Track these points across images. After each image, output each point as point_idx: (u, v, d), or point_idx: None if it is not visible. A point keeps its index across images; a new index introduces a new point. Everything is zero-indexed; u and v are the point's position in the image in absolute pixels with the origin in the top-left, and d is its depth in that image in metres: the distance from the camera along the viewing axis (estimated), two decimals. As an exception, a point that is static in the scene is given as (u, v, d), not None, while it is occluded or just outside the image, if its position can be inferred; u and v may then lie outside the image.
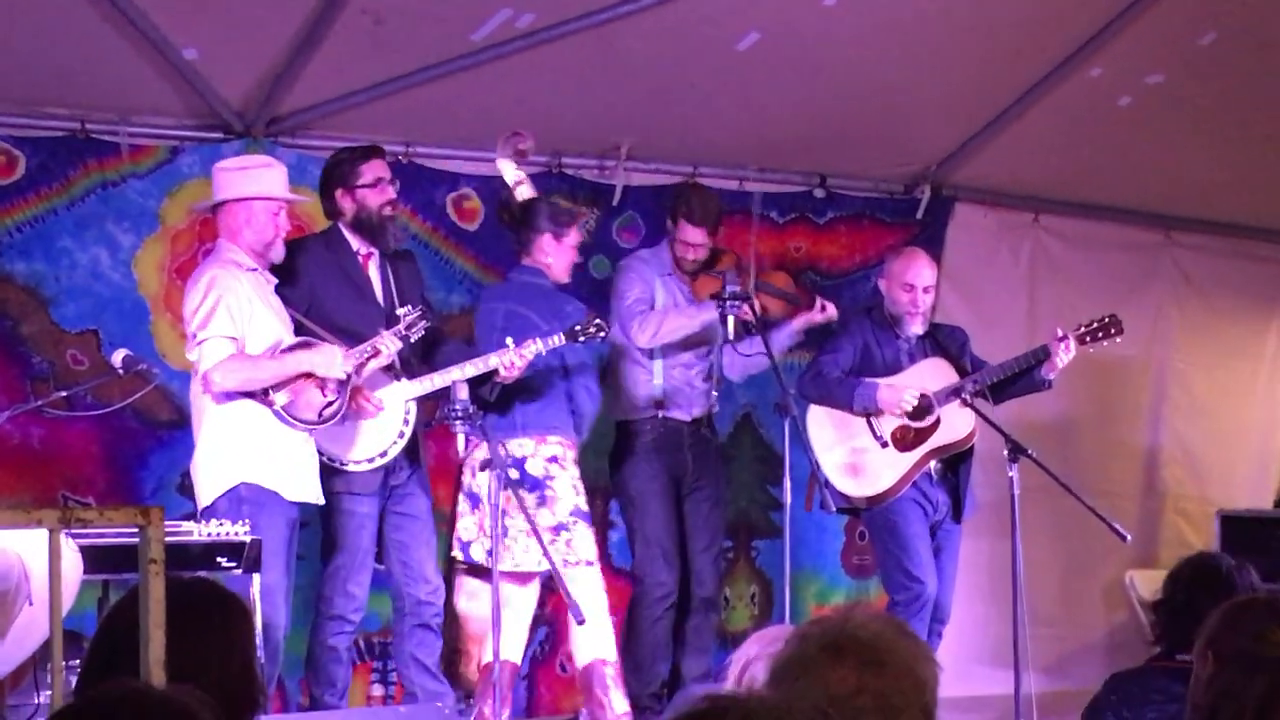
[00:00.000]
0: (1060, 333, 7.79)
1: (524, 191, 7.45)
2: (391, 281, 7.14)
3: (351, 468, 6.90)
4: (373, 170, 7.08)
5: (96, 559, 5.80)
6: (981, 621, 9.05)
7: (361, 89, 7.63)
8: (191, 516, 6.65)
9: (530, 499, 7.08)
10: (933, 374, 7.87)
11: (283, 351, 6.65)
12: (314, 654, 7.08)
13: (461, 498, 7.28)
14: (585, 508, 7.21)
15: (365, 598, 7.06)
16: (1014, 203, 9.63)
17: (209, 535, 6.19)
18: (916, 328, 7.91)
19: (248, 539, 6.21)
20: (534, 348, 6.97)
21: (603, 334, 7.09)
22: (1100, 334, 7.83)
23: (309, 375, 6.63)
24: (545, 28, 7.33)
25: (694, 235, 7.91)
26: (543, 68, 7.58)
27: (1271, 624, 3.80)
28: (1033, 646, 7.34)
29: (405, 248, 7.48)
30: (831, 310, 8.02)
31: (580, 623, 6.55)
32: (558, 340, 7.00)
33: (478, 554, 7.13)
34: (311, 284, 6.98)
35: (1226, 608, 3.96)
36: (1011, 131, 8.81)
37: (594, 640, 7.21)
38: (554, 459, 7.19)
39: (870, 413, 7.78)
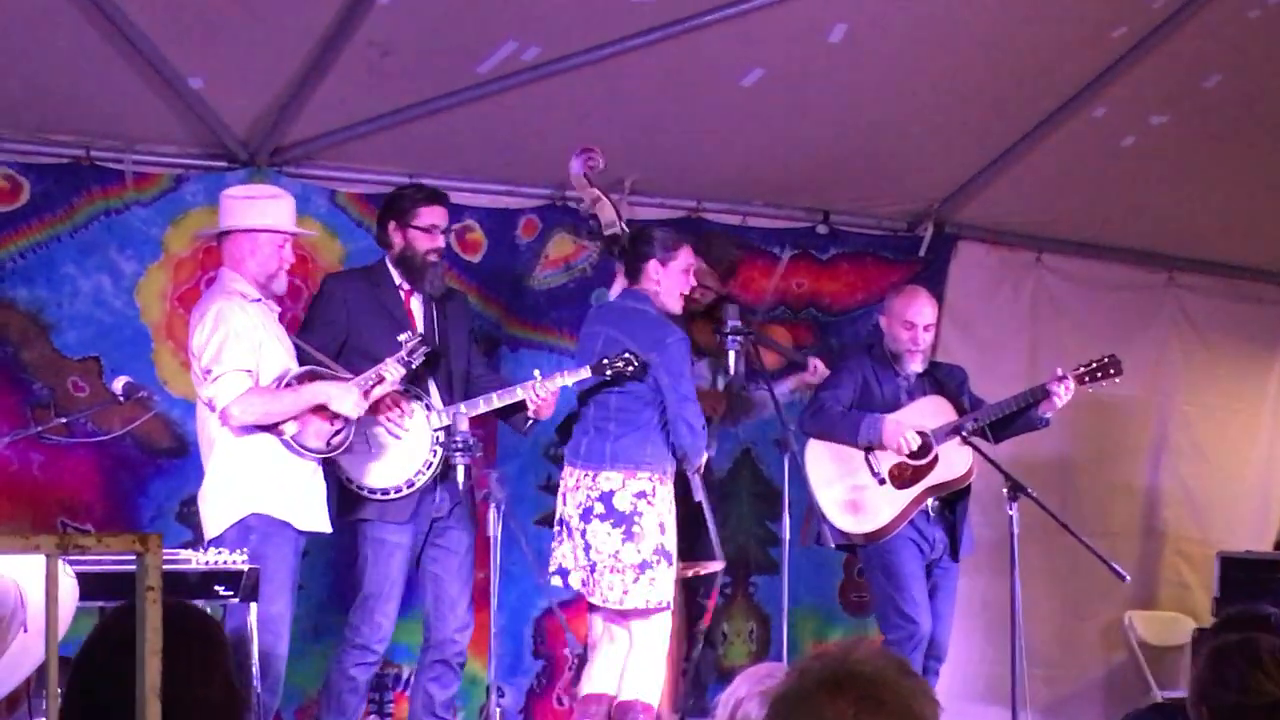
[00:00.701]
0: (1060, 372, 7.81)
1: (606, 211, 7.40)
2: (435, 317, 7.14)
3: (379, 496, 6.91)
4: (430, 216, 7.10)
5: (94, 586, 5.77)
6: (979, 660, 9.03)
7: (366, 120, 7.64)
8: (190, 545, 6.64)
9: (616, 534, 7.02)
10: (931, 411, 7.87)
11: (294, 382, 6.65)
12: (332, 681, 7.06)
13: (556, 525, 7.24)
14: (669, 546, 7.05)
15: (391, 629, 7.02)
16: (1017, 241, 9.63)
17: (207, 564, 6.16)
18: (916, 366, 7.92)
19: (245, 567, 6.18)
20: (560, 381, 6.98)
21: (631, 369, 6.97)
22: (1100, 374, 7.85)
23: (323, 407, 6.64)
24: (550, 61, 7.35)
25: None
26: (547, 101, 7.59)
27: (1254, 671, 3.80)
28: (1030, 686, 7.34)
29: (451, 287, 7.50)
30: (823, 369, 8.03)
31: (574, 653, 6.53)
32: (585, 374, 6.97)
33: (575, 582, 7.10)
34: (350, 316, 6.99)
35: (1208, 659, 3.95)
36: (1015, 170, 8.82)
37: (643, 680, 7.12)
38: (642, 494, 7.03)
39: (874, 447, 7.77)
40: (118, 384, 6.63)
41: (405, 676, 8.06)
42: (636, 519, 7.00)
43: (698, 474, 7.27)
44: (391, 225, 7.14)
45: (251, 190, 7.01)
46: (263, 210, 6.77)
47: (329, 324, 7.02)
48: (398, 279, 7.13)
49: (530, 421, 7.12)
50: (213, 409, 6.57)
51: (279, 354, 6.69)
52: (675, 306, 7.30)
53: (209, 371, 6.54)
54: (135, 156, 7.57)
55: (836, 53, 7.54)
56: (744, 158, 8.45)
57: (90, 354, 7.52)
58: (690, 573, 7.47)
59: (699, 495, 7.32)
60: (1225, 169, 8.93)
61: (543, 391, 6.92)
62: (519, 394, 6.94)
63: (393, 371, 6.73)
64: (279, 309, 6.92)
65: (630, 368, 6.95)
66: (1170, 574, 10.05)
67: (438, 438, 6.94)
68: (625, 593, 6.99)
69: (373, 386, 6.70)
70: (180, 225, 7.64)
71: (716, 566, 7.37)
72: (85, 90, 7.18)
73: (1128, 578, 7.54)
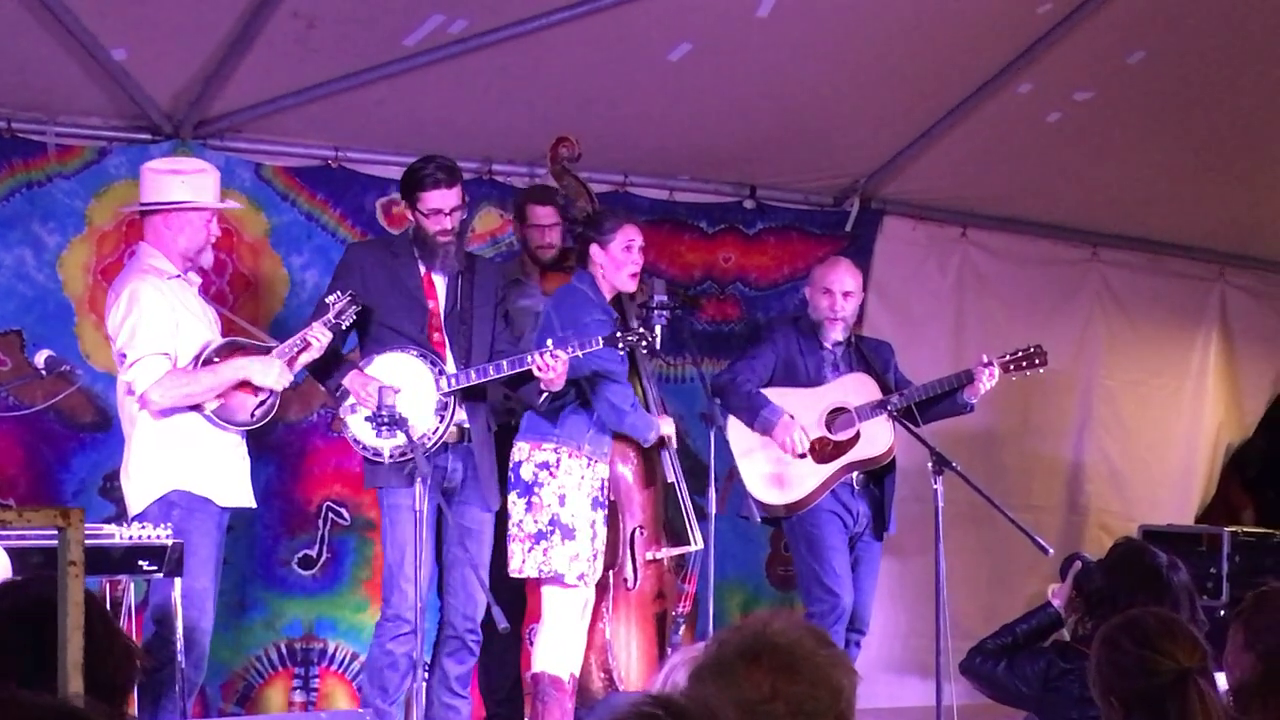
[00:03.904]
0: (986, 358, 7.84)
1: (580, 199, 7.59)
2: (458, 290, 7.01)
3: (382, 458, 6.75)
4: (431, 201, 6.90)
5: (17, 561, 5.74)
6: (904, 633, 9.08)
7: (292, 92, 7.59)
8: (114, 520, 6.60)
9: (521, 504, 7.08)
10: (856, 388, 7.88)
11: (215, 356, 6.58)
12: (373, 658, 6.98)
13: None
14: (570, 521, 7.05)
15: (423, 596, 6.75)
16: (942, 217, 9.67)
17: (130, 538, 6.11)
18: (837, 334, 7.91)
19: (169, 542, 6.15)
20: (573, 351, 6.81)
21: (645, 343, 6.95)
22: (1025, 363, 7.91)
23: (245, 383, 6.58)
24: (478, 34, 7.32)
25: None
26: (475, 74, 7.57)
27: (1148, 653, 3.79)
28: (954, 659, 7.35)
29: (474, 252, 7.43)
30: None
31: (500, 628, 6.49)
32: (596, 344, 6.84)
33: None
34: (367, 287, 6.86)
35: (1099, 648, 3.93)
36: (941, 146, 8.85)
37: (549, 652, 7.14)
38: (545, 465, 7.08)
39: (766, 436, 7.77)
40: (39, 358, 6.53)
41: (331, 651, 8.05)
42: (537, 489, 7.07)
43: (668, 453, 7.34)
44: (404, 205, 7.06)
45: (173, 164, 6.92)
46: (187, 185, 6.69)
47: (343, 290, 6.82)
48: (417, 253, 7.01)
49: (544, 394, 6.93)
50: (132, 393, 6.52)
51: (198, 330, 6.63)
52: (625, 285, 7.30)
53: (124, 356, 6.49)
54: (58, 128, 7.51)
55: (764, 28, 7.54)
56: (671, 132, 8.45)
57: (12, 327, 7.46)
58: (665, 555, 7.48)
59: (671, 476, 7.34)
60: (1150, 145, 8.99)
61: (551, 360, 6.73)
62: (530, 361, 6.76)
63: (320, 336, 6.65)
64: (199, 281, 6.85)
65: (644, 342, 6.94)
66: (1093, 547, 10.08)
67: (444, 403, 6.83)
68: (523, 561, 7.06)
69: (298, 353, 6.64)
70: (103, 198, 7.58)
71: (693, 549, 7.37)
72: (6, 61, 7.11)
73: (1051, 551, 7.56)
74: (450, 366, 6.90)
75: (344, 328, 6.74)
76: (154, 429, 6.54)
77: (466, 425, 6.94)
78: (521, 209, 8.00)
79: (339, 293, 6.74)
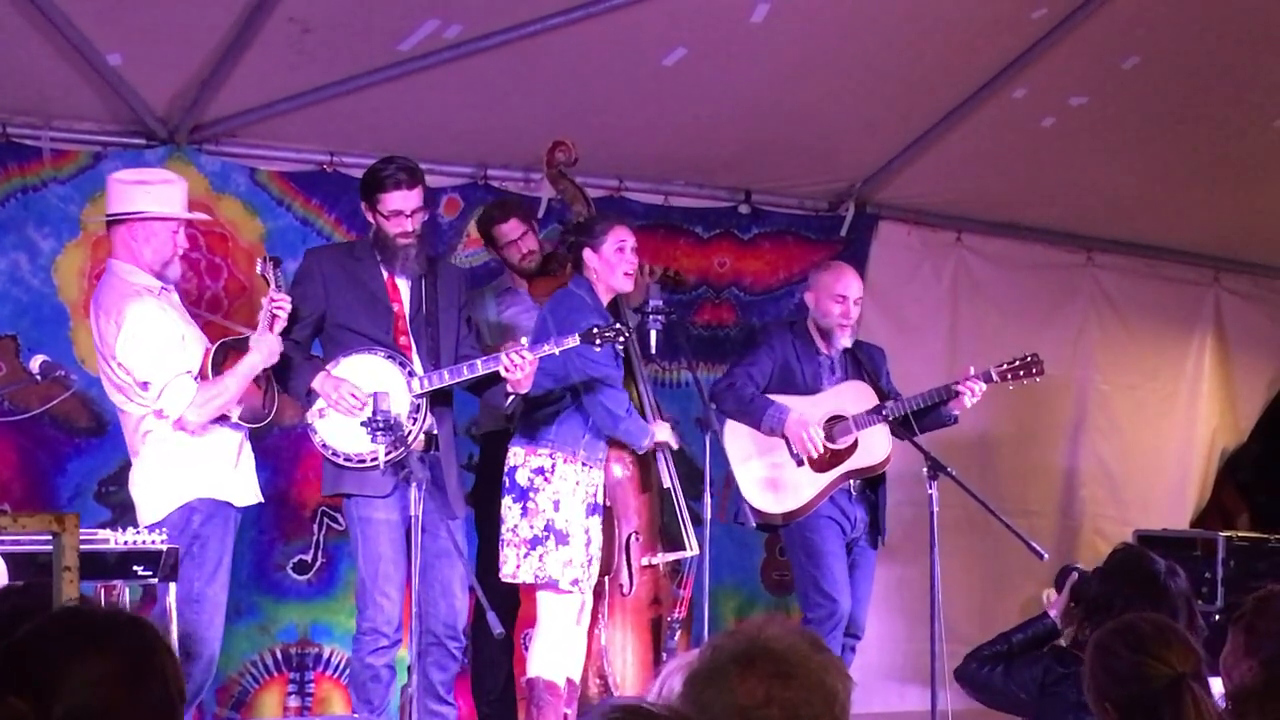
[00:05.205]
0: (972, 371, 7.83)
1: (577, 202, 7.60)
2: (423, 292, 6.93)
3: (354, 464, 6.67)
4: (392, 202, 6.80)
5: (13, 566, 5.73)
6: (899, 638, 9.08)
7: (287, 97, 7.59)
8: (109, 525, 6.58)
9: (516, 509, 7.07)
10: (854, 396, 7.86)
11: (218, 358, 6.53)
12: (355, 672, 6.94)
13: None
14: (564, 526, 7.03)
15: (396, 610, 6.78)
16: (937, 221, 9.68)
17: (125, 544, 6.08)
18: (845, 340, 7.89)
19: (164, 547, 6.12)
20: (545, 349, 6.72)
21: (622, 339, 6.91)
22: (1021, 372, 7.89)
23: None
24: (473, 39, 7.33)
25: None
26: (470, 79, 7.57)
27: (1142, 658, 3.79)
28: (949, 664, 7.35)
29: (437, 255, 7.38)
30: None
31: (496, 634, 6.47)
32: (572, 342, 6.74)
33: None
34: (327, 291, 6.82)
35: (1092, 655, 3.93)
36: (936, 150, 8.86)
37: (543, 657, 7.14)
38: (540, 470, 7.06)
39: (776, 435, 7.76)
40: (35, 362, 6.49)
41: (326, 656, 8.05)
42: (532, 494, 7.06)
43: (664, 458, 7.32)
44: (364, 205, 6.95)
45: (141, 175, 6.81)
46: (152, 196, 6.59)
47: (305, 299, 6.77)
48: (378, 256, 6.92)
49: (511, 396, 6.83)
50: (162, 417, 6.46)
51: (197, 336, 6.61)
52: (621, 285, 7.30)
53: (147, 385, 6.40)
54: (53, 133, 7.51)
55: (759, 33, 7.54)
56: (666, 137, 8.46)
57: (7, 332, 7.45)
58: (660, 560, 7.48)
59: (667, 481, 7.33)
60: (1144, 150, 9.00)
61: (518, 359, 6.61)
62: (502, 360, 6.64)
63: (281, 302, 6.54)
64: (173, 286, 6.76)
65: (621, 338, 6.90)
66: (1088, 552, 10.11)
67: (417, 405, 6.73)
68: (518, 566, 7.06)
69: (272, 323, 6.54)
70: (98, 203, 7.52)
71: (689, 554, 7.38)
72: (2, 66, 7.11)
73: (1046, 556, 7.57)
74: (417, 369, 6.83)
75: (278, 281, 6.62)
76: (168, 437, 6.49)
77: (435, 432, 6.85)
78: (488, 232, 7.99)
79: (260, 260, 6.65)
